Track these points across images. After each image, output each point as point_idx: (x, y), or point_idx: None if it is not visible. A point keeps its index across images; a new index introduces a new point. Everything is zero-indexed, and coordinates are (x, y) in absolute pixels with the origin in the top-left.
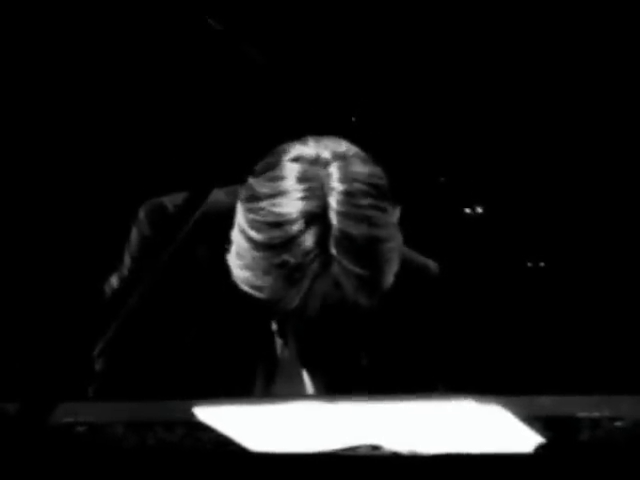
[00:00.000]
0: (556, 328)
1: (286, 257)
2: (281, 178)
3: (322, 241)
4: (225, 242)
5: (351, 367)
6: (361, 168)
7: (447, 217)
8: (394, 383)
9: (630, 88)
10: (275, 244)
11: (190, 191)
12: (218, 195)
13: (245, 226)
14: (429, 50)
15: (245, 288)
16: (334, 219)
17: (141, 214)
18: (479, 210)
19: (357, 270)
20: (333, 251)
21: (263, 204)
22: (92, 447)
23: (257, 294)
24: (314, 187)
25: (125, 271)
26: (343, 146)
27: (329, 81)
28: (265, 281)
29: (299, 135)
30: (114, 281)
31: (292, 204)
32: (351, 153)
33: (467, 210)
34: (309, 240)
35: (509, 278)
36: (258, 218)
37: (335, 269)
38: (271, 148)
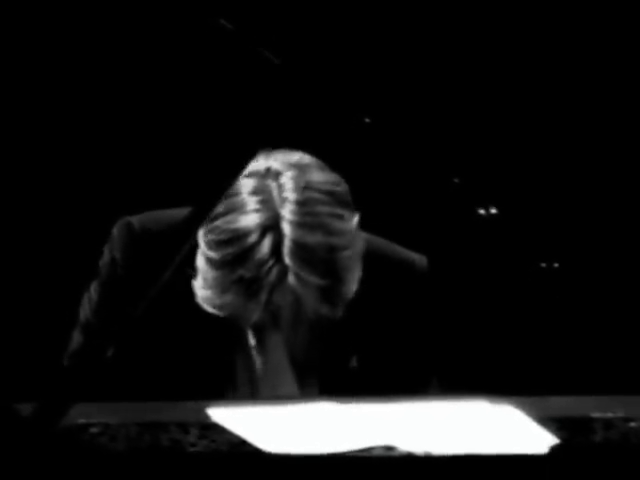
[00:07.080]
0: (570, 328)
1: (241, 272)
2: (234, 195)
3: (276, 251)
4: None
5: (340, 371)
6: (315, 176)
7: (460, 218)
8: (385, 383)
9: None
10: (229, 260)
11: (193, 208)
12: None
13: (203, 247)
14: (448, 50)
15: (207, 308)
16: (287, 229)
17: (114, 232)
18: (493, 211)
19: (314, 280)
20: (288, 261)
21: (218, 222)
22: (106, 448)
23: (219, 313)
24: (265, 199)
25: (93, 292)
26: (295, 156)
27: (341, 82)
28: (225, 299)
29: (310, 140)
30: (87, 298)
31: (244, 219)
32: (304, 162)
33: (481, 211)
34: (263, 252)
35: (523, 279)
36: (214, 237)
37: (292, 280)
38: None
